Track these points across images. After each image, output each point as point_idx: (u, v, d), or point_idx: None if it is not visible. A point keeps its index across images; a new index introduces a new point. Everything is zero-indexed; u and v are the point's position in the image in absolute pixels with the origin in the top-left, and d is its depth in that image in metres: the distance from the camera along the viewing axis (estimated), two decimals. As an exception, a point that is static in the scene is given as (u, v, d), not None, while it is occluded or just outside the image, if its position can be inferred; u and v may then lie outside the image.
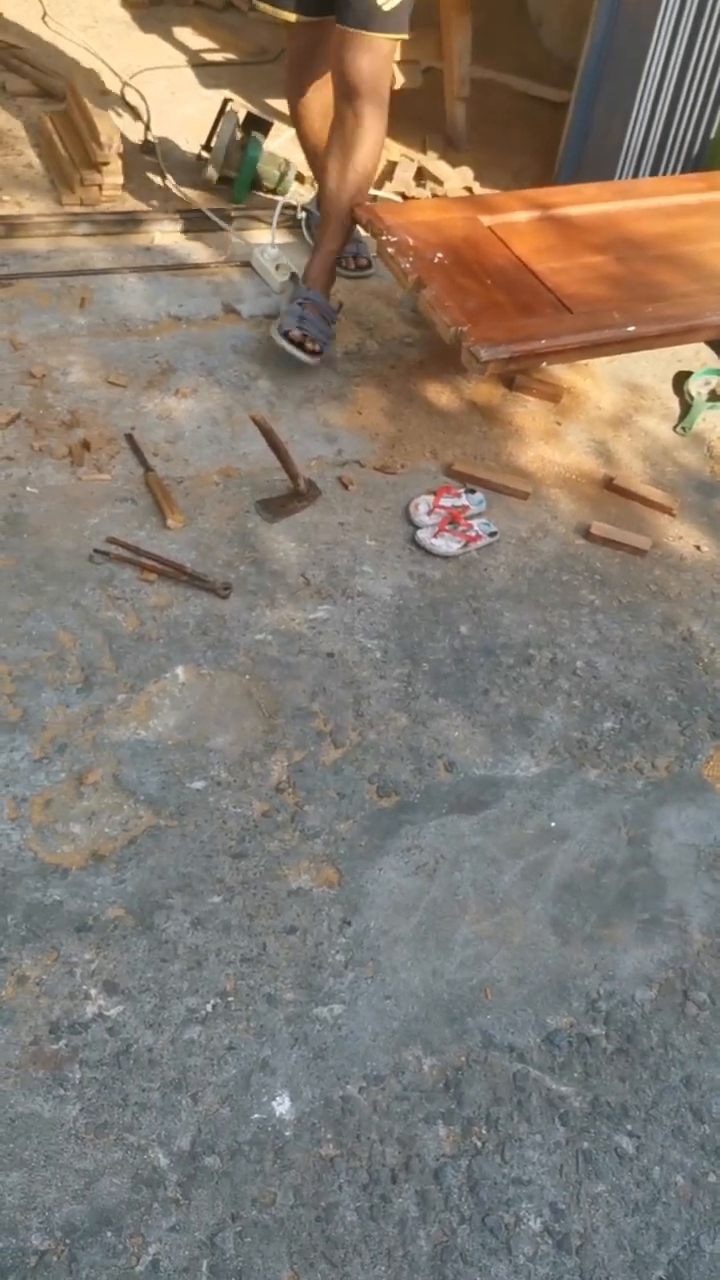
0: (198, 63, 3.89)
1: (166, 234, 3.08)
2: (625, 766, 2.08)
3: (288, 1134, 1.53)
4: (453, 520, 2.42)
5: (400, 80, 3.52)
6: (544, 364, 2.51)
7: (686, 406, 2.91)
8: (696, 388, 2.95)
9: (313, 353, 2.66)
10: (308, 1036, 1.63)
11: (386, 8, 2.36)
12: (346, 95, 2.49)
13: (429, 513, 2.43)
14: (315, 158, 2.87)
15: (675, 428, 2.86)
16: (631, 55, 3.12)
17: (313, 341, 2.66)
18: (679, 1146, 1.59)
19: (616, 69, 3.20)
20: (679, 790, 2.06)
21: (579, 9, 3.55)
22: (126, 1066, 1.56)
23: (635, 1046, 1.69)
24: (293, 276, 2.91)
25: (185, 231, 3.09)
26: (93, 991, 1.62)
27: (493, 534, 2.44)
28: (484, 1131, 1.57)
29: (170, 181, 3.23)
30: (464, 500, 2.46)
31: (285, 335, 2.64)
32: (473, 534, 2.41)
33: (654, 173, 3.30)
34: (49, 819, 1.81)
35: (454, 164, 3.61)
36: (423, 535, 2.39)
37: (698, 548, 2.56)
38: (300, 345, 2.65)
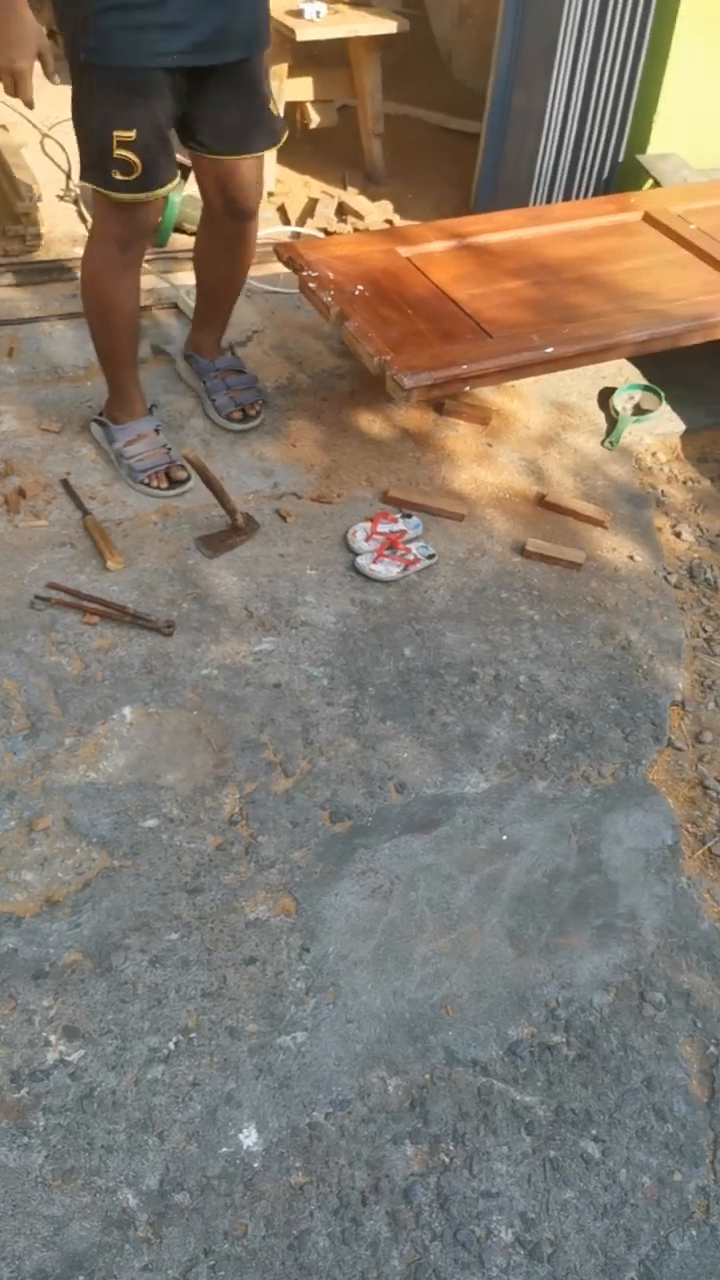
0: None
1: (93, 280, 3.11)
2: (572, 776, 2.12)
3: (256, 1165, 1.53)
4: (391, 545, 2.45)
5: (316, 119, 3.59)
6: (467, 388, 2.57)
7: (612, 422, 2.98)
8: (621, 403, 3.03)
9: (257, 414, 2.72)
10: (272, 1066, 1.64)
11: (280, 111, 2.31)
12: (251, 213, 2.42)
13: (367, 539, 2.46)
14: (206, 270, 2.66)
15: (603, 443, 2.93)
16: (536, 85, 3.22)
17: (251, 405, 2.71)
18: (644, 1147, 1.62)
19: (523, 99, 3.29)
20: (626, 796, 2.10)
21: (485, 42, 3.66)
22: (91, 1110, 1.56)
23: (596, 1051, 1.72)
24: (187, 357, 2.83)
25: (111, 277, 3.12)
26: (52, 1038, 1.62)
27: (431, 556, 2.48)
28: (451, 1147, 1.58)
29: (94, 229, 3.26)
30: (401, 525, 2.50)
31: (231, 418, 2.70)
32: (411, 557, 2.45)
33: (566, 197, 3.40)
34: (0, 868, 1.81)
35: (374, 198, 3.69)
36: (362, 561, 2.43)
37: (631, 558, 2.62)
38: (248, 417, 2.70)
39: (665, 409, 3.04)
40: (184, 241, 3.23)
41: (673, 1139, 1.63)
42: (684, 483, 2.92)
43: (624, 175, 3.43)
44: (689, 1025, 1.77)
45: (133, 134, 2.06)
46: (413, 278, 2.70)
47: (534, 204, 3.37)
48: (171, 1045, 1.64)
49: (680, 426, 3.04)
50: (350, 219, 3.58)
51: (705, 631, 2.49)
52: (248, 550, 2.45)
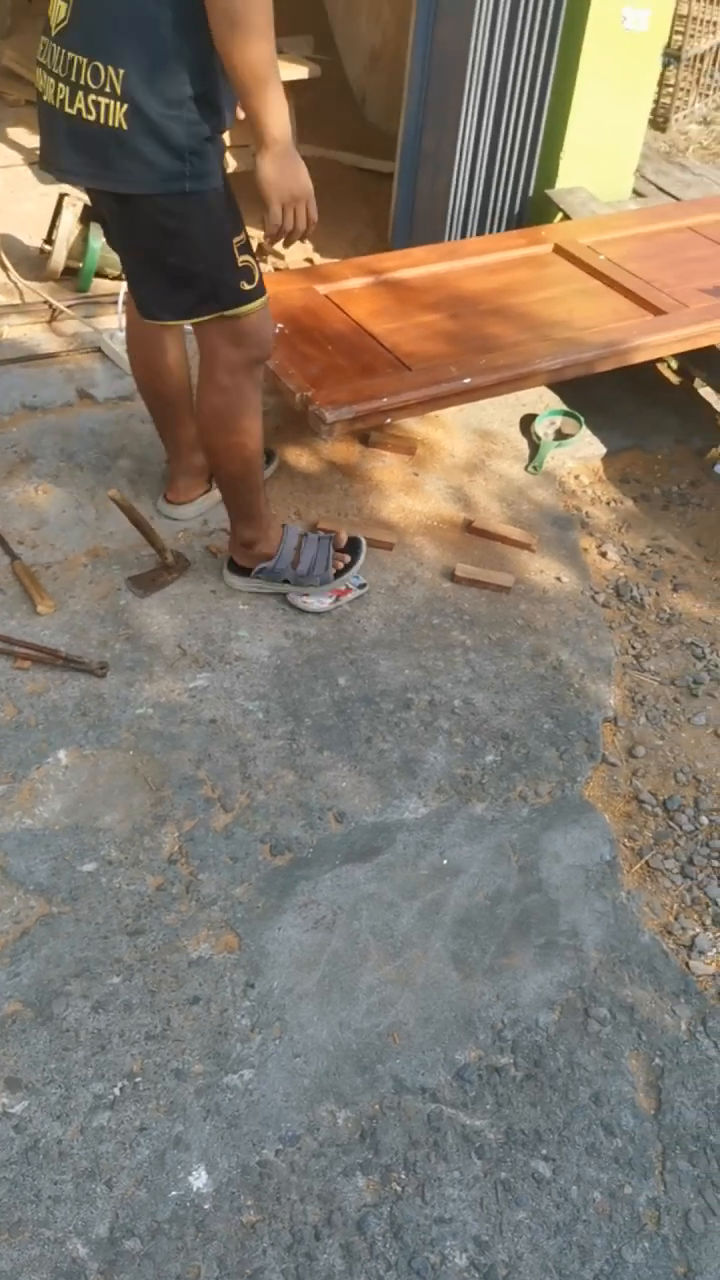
0: (34, 160, 3.96)
1: (15, 327, 3.11)
2: (510, 797, 2.14)
3: (207, 1206, 1.52)
4: (322, 578, 2.47)
5: (234, 164, 3.64)
6: (389, 420, 2.60)
7: (535, 447, 3.04)
8: (542, 428, 3.09)
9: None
10: (220, 1106, 1.62)
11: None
12: None
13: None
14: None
15: (526, 468, 2.99)
16: (446, 125, 3.30)
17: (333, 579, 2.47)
18: (594, 1163, 1.63)
19: (434, 139, 3.38)
20: (563, 814, 2.13)
21: (397, 86, 3.74)
22: (36, 1162, 1.53)
23: (543, 1070, 1.73)
24: None
25: (34, 323, 3.13)
26: (-5, 1090, 1.59)
27: (362, 586, 2.50)
28: (403, 1176, 1.58)
29: (15, 276, 3.27)
30: (330, 557, 2.52)
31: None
32: (342, 588, 2.47)
33: (480, 232, 3.48)
34: (-63, 920, 1.78)
35: (293, 237, 3.74)
36: (294, 596, 2.44)
37: (559, 579, 2.67)
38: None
39: (585, 433, 3.11)
40: (106, 286, 3.24)
41: (622, 1153, 1.64)
42: (607, 503, 2.98)
43: (534, 209, 3.52)
44: (633, 1039, 1.78)
45: (243, 236, 1.99)
46: (332, 314, 2.74)
47: (449, 239, 3.44)
48: (117, 1091, 1.62)
49: (601, 449, 3.12)
50: (270, 259, 3.63)
51: (634, 648, 2.53)
52: (179, 588, 2.45)
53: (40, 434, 2.79)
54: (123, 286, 3.14)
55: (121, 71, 1.74)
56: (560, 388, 3.21)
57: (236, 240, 1.96)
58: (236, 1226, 1.50)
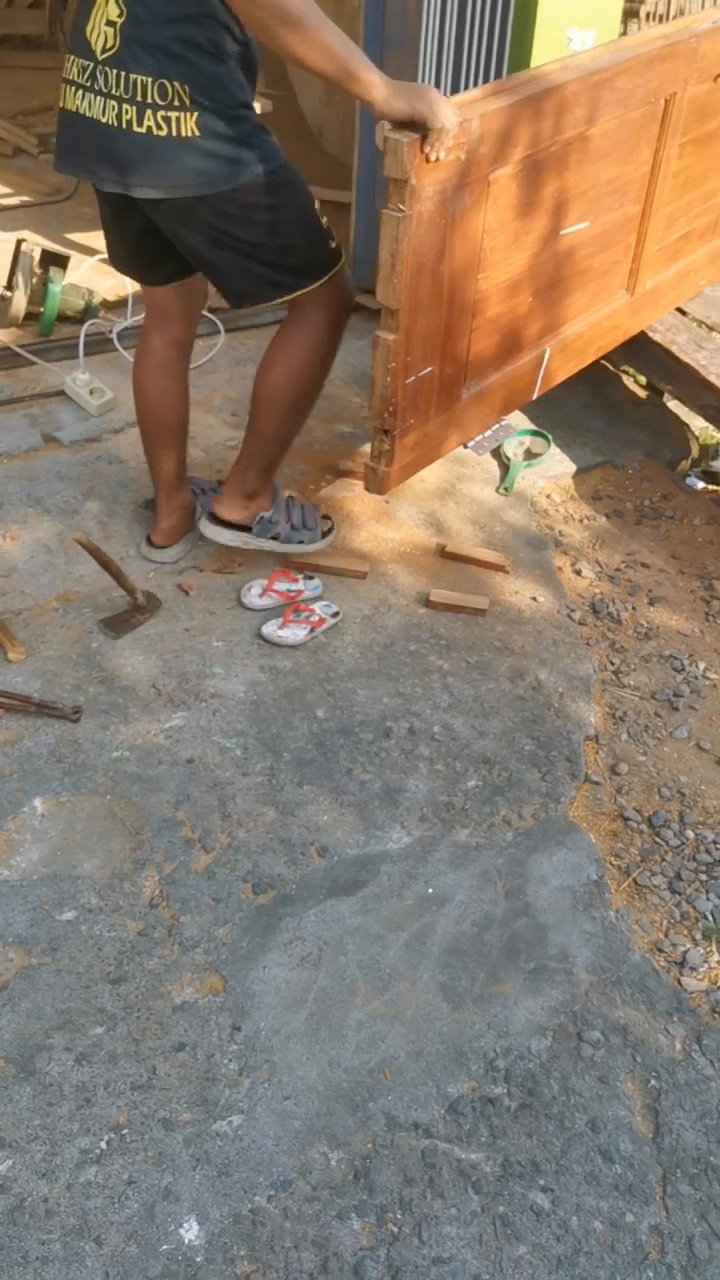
0: (-8, 208, 3.98)
1: (-21, 374, 3.11)
2: (493, 821, 2.12)
3: (199, 1259, 1.48)
4: (296, 610, 2.46)
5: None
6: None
7: (505, 468, 3.05)
8: (512, 449, 3.09)
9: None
10: (209, 1155, 1.59)
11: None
12: None
13: (261, 594, 2.48)
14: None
15: (498, 489, 2.99)
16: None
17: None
18: (593, 1192, 1.60)
19: (389, 168, 3.40)
20: (548, 836, 2.11)
21: (352, 118, 3.77)
22: (22, 1222, 1.49)
23: (538, 1099, 1.70)
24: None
25: (-2, 370, 3.13)
26: (-22, 1151, 1.56)
27: (336, 614, 2.49)
28: (399, 1216, 1.55)
29: (-23, 324, 3.27)
30: (300, 585, 2.51)
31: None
32: (316, 618, 2.46)
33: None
34: None
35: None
36: (269, 629, 2.43)
37: (534, 599, 2.66)
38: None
39: (555, 451, 3.11)
40: (68, 330, 3.25)
41: (621, 1179, 1.61)
42: (580, 521, 2.98)
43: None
44: (628, 1061, 1.76)
45: (316, 201, 2.19)
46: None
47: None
48: (103, 1145, 1.58)
49: (571, 467, 3.12)
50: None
51: (613, 664, 2.52)
52: (152, 628, 2.44)
53: (6, 480, 2.78)
54: (82, 330, 3.15)
55: (186, 86, 1.92)
56: (528, 407, 3.21)
57: (315, 205, 2.17)
58: (230, 1279, 1.46)
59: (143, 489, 2.78)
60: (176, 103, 1.92)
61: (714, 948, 1.94)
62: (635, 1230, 1.56)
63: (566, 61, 2.34)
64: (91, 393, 2.98)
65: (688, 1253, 1.54)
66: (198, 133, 1.94)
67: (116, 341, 3.24)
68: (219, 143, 1.97)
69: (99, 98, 1.97)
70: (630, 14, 3.90)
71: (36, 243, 3.23)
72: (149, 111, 1.93)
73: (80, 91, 2.00)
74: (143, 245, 2.23)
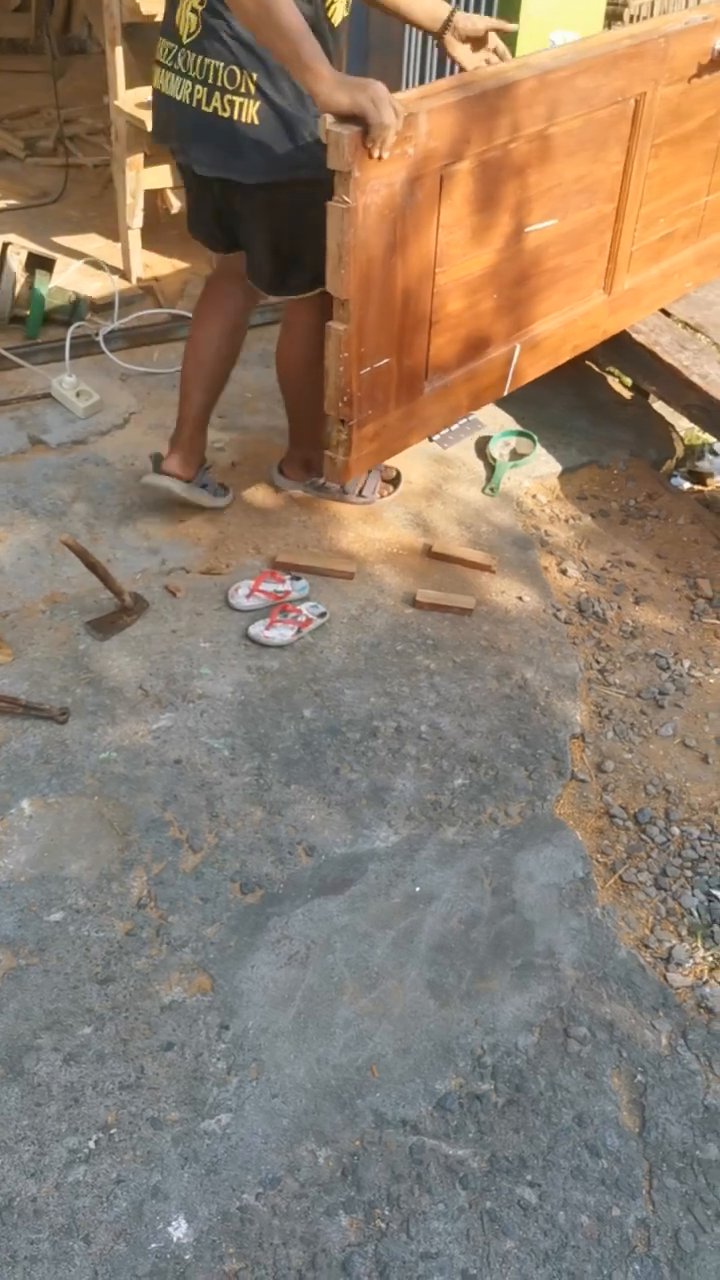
0: (-22, 212, 3.98)
1: (-35, 377, 3.11)
2: (480, 819, 2.13)
3: (188, 1257, 1.48)
4: (283, 610, 2.47)
5: (177, 205, 3.67)
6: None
7: (491, 468, 3.06)
8: (498, 449, 3.10)
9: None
10: (198, 1153, 1.59)
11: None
12: None
13: (248, 595, 2.48)
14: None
15: (483, 490, 3.00)
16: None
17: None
18: (580, 1186, 1.61)
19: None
20: (534, 833, 2.12)
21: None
22: (11, 1222, 1.50)
23: (525, 1095, 1.71)
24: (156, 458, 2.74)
25: (-17, 372, 3.13)
26: (-34, 1152, 1.56)
27: (322, 614, 2.50)
28: (387, 1212, 1.55)
29: (-37, 327, 3.27)
30: (287, 585, 2.52)
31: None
32: (303, 619, 2.47)
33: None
34: None
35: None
36: (255, 630, 2.44)
37: (520, 599, 2.67)
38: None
39: (541, 452, 3.13)
40: (54, 332, 3.25)
41: (608, 1174, 1.62)
42: (565, 521, 3.00)
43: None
44: (614, 1056, 1.77)
45: None
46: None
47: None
48: (91, 1144, 1.59)
49: (556, 467, 3.13)
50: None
51: (598, 663, 2.54)
52: (139, 629, 2.44)
53: (-6, 482, 2.78)
54: (69, 332, 3.15)
55: (254, 75, 2.07)
56: (513, 408, 3.23)
57: None
58: (219, 1276, 1.47)
59: (130, 491, 2.79)
60: (243, 90, 2.07)
61: (699, 943, 1.95)
62: (622, 1224, 1.57)
63: (525, 60, 2.34)
64: (78, 395, 2.99)
65: (674, 1246, 1.55)
66: (257, 121, 2.09)
67: (103, 344, 3.25)
68: (272, 135, 2.10)
69: (179, 78, 2.15)
70: (614, 16, 3.92)
71: (23, 246, 3.23)
72: (217, 94, 2.10)
73: (165, 72, 2.18)
74: (221, 216, 2.37)
